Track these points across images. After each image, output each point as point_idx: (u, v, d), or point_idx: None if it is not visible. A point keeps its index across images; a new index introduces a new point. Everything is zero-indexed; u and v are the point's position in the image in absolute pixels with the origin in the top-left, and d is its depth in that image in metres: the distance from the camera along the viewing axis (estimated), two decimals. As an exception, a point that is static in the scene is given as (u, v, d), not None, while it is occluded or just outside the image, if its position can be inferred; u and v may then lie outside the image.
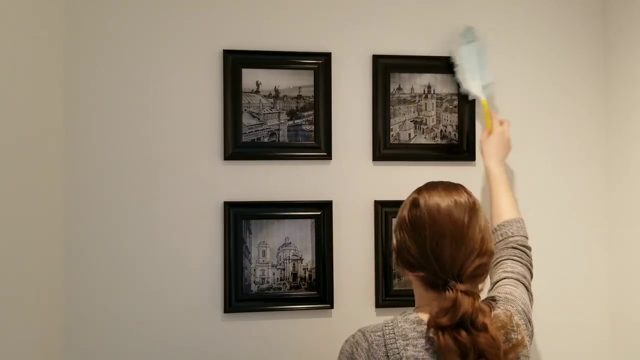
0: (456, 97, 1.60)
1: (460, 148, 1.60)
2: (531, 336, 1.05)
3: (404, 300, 1.56)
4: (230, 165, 1.52)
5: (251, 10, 1.54)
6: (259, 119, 1.53)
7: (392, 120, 1.57)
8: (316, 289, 1.54)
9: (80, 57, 1.47)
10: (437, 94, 1.60)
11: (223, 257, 1.50)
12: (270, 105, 1.54)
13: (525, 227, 1.32)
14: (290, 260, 1.53)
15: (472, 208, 0.98)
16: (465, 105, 1.60)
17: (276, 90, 1.54)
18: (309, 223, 1.54)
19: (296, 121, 1.54)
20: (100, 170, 1.47)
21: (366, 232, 1.57)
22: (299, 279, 1.54)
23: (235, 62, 1.52)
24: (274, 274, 1.53)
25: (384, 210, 1.56)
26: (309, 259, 1.54)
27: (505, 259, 1.22)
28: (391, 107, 1.57)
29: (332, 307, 1.54)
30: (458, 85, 1.58)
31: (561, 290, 1.64)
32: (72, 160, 1.47)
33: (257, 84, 1.53)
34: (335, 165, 1.56)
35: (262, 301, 1.52)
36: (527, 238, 1.30)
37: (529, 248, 1.27)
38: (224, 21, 1.53)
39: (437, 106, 1.60)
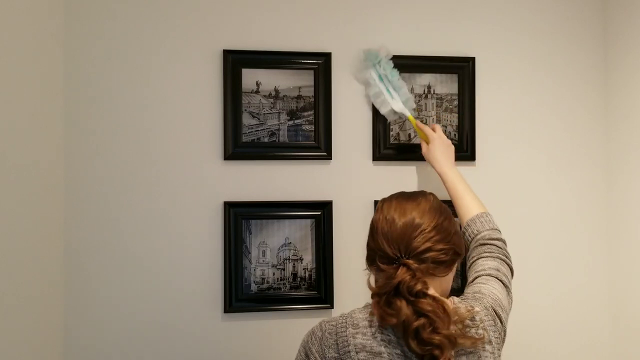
0: (456, 97, 1.60)
1: (460, 148, 1.60)
2: (501, 333, 1.01)
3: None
4: (230, 165, 1.52)
5: (251, 10, 1.54)
6: (259, 119, 1.53)
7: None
8: (316, 289, 1.54)
9: (80, 57, 1.47)
10: (437, 94, 1.60)
11: (223, 257, 1.50)
12: (270, 105, 1.54)
13: (491, 220, 1.28)
14: (290, 260, 1.53)
15: (426, 201, 1.04)
16: (465, 105, 1.60)
17: (276, 90, 1.54)
18: (309, 223, 1.54)
19: (296, 121, 1.54)
20: (100, 170, 1.47)
21: (366, 232, 1.56)
22: (299, 279, 1.54)
23: (235, 62, 1.52)
24: (274, 274, 1.53)
25: (384, 210, 1.56)
26: (309, 259, 1.54)
27: (475, 259, 1.19)
28: (391, 107, 1.57)
29: (332, 307, 1.54)
30: (378, 111, 1.54)
31: (561, 290, 1.64)
32: (72, 160, 1.47)
33: (257, 84, 1.53)
34: (335, 165, 1.56)
35: (262, 301, 1.52)
36: (497, 230, 1.26)
37: (499, 240, 1.22)
38: (224, 21, 1.53)
39: (437, 106, 1.60)
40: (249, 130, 1.52)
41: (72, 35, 1.47)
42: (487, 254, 1.17)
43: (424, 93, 1.59)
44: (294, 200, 1.53)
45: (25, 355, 1.26)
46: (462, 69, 1.60)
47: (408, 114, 1.51)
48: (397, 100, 1.50)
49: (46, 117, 1.38)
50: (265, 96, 1.53)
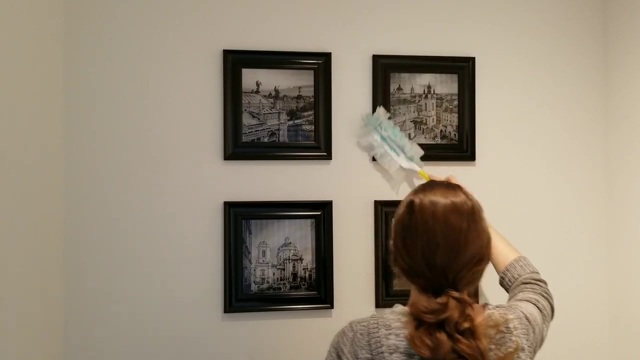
0: (456, 97, 1.60)
1: (460, 148, 1.60)
2: (533, 343, 0.99)
3: (404, 300, 1.56)
4: (230, 165, 1.52)
5: (251, 10, 1.54)
6: (259, 119, 1.53)
7: (392, 120, 1.57)
8: (316, 289, 1.54)
9: (80, 57, 1.47)
10: (437, 94, 1.60)
11: (223, 257, 1.50)
12: (270, 105, 1.54)
13: (530, 263, 1.25)
14: (290, 260, 1.53)
15: (471, 212, 0.94)
16: (465, 105, 1.60)
17: (276, 90, 1.54)
18: (309, 223, 1.54)
19: (296, 121, 1.54)
20: (100, 170, 1.47)
21: (366, 232, 1.57)
22: (299, 279, 1.54)
23: (235, 62, 1.52)
24: (274, 274, 1.53)
25: (384, 210, 1.56)
26: (309, 259, 1.54)
27: (516, 293, 1.15)
28: (391, 107, 1.57)
29: (332, 307, 1.54)
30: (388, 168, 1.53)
31: (561, 290, 1.63)
32: (72, 160, 1.47)
33: (257, 84, 1.53)
34: (335, 165, 1.56)
35: (262, 301, 1.52)
36: (537, 272, 1.23)
37: (540, 280, 1.19)
38: (224, 21, 1.53)
39: (437, 106, 1.60)
40: (249, 130, 1.52)
41: (72, 35, 1.47)
42: (529, 290, 1.14)
43: (424, 93, 1.59)
44: (294, 200, 1.53)
45: (25, 355, 1.26)
46: (462, 69, 1.60)
47: (418, 169, 1.51)
48: (402, 157, 1.51)
49: (46, 117, 1.38)
50: (265, 96, 1.53)
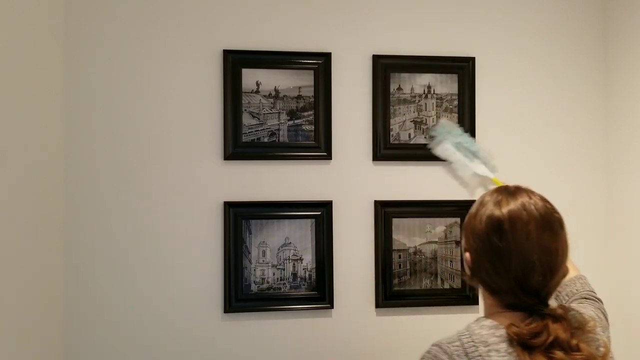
0: (456, 97, 1.60)
1: (460, 148, 1.60)
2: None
3: (404, 300, 1.57)
4: (230, 165, 1.52)
5: (251, 10, 1.54)
6: (259, 119, 1.53)
7: (392, 120, 1.57)
8: (316, 289, 1.54)
9: (80, 57, 1.47)
10: (437, 94, 1.60)
11: (223, 257, 1.50)
12: (270, 105, 1.54)
13: (589, 283, 1.23)
14: (290, 260, 1.53)
15: (561, 225, 0.91)
16: (465, 105, 1.60)
17: (276, 90, 1.54)
18: (309, 223, 1.54)
19: (296, 121, 1.54)
20: (100, 170, 1.47)
21: (366, 232, 1.57)
22: (299, 279, 1.54)
23: (235, 62, 1.52)
24: (274, 273, 1.53)
25: (384, 210, 1.56)
26: (309, 259, 1.54)
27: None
28: (391, 107, 1.57)
29: (332, 307, 1.54)
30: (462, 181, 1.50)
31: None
32: (72, 160, 1.47)
33: (257, 84, 1.53)
34: (335, 165, 1.56)
35: (262, 301, 1.52)
36: (595, 292, 1.21)
37: (599, 299, 1.17)
38: (224, 21, 1.53)
39: (437, 106, 1.60)
40: (249, 130, 1.52)
41: (72, 35, 1.47)
42: (589, 304, 1.12)
43: (424, 93, 1.59)
44: (294, 200, 1.53)
45: (25, 355, 1.26)
46: (462, 69, 1.60)
47: (492, 175, 1.50)
48: (477, 163, 1.50)
49: (46, 117, 1.38)
50: (265, 96, 1.53)
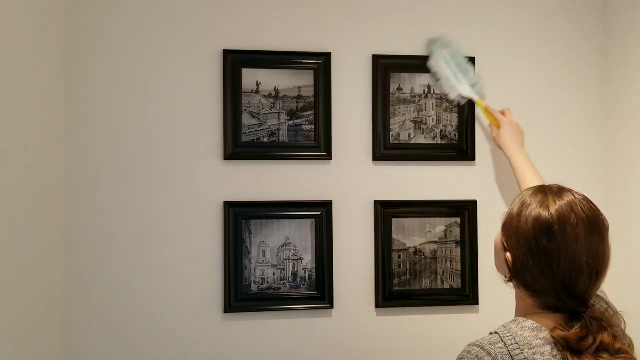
0: (456, 97, 1.60)
1: (460, 148, 1.60)
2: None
3: (404, 300, 1.57)
4: (230, 165, 1.52)
5: (251, 10, 1.54)
6: (259, 119, 1.53)
7: (392, 120, 1.57)
8: (316, 289, 1.54)
9: (80, 57, 1.47)
10: (437, 94, 1.60)
11: (223, 257, 1.50)
12: (270, 105, 1.54)
13: None
14: (290, 260, 1.53)
15: (607, 228, 0.91)
16: (465, 105, 1.60)
17: (276, 90, 1.54)
18: (309, 223, 1.54)
19: (296, 121, 1.54)
20: (100, 171, 1.47)
21: (366, 232, 1.57)
22: (299, 279, 1.54)
23: (235, 62, 1.52)
24: (273, 273, 1.53)
25: (384, 210, 1.56)
26: (309, 259, 1.54)
27: None
28: (391, 107, 1.57)
29: (332, 307, 1.54)
30: (447, 96, 1.57)
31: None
32: (72, 160, 1.47)
33: (257, 84, 1.53)
34: (335, 165, 1.56)
35: (262, 301, 1.51)
36: None
37: None
38: (224, 21, 1.53)
39: (437, 106, 1.60)
40: (249, 130, 1.52)
41: (72, 36, 1.47)
42: None
43: (424, 93, 1.59)
44: (294, 200, 1.53)
45: (25, 355, 1.26)
46: (462, 69, 1.60)
47: (476, 98, 1.54)
48: (464, 84, 1.53)
49: (46, 117, 1.38)
50: (265, 96, 1.53)
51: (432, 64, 1.55)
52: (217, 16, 1.52)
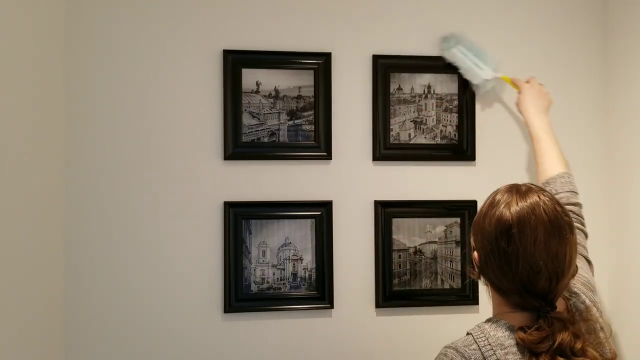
0: (456, 97, 1.60)
1: (460, 148, 1.60)
2: (595, 303, 1.02)
3: (404, 300, 1.57)
4: (230, 165, 1.52)
5: (251, 10, 1.54)
6: (259, 119, 1.53)
7: (392, 120, 1.58)
8: (316, 289, 1.54)
9: (80, 57, 1.47)
10: (437, 94, 1.60)
11: (223, 257, 1.50)
12: (270, 105, 1.54)
13: (571, 182, 1.25)
14: (290, 260, 1.53)
15: (570, 229, 0.91)
16: (465, 105, 1.60)
17: (276, 90, 1.54)
18: (309, 223, 1.54)
19: (296, 121, 1.54)
20: (100, 170, 1.47)
21: (366, 232, 1.57)
22: (299, 279, 1.54)
23: (235, 62, 1.52)
24: (273, 274, 1.53)
25: (384, 210, 1.56)
26: (309, 259, 1.54)
27: None
28: (391, 107, 1.57)
29: (332, 307, 1.54)
30: (465, 86, 1.58)
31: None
32: (72, 160, 1.47)
33: (257, 84, 1.53)
34: (335, 165, 1.56)
35: (262, 301, 1.52)
36: (575, 192, 1.23)
37: (575, 205, 1.19)
38: (224, 21, 1.53)
39: (437, 106, 1.60)
40: (249, 130, 1.53)
41: (72, 36, 1.47)
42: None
43: (424, 93, 1.59)
44: (294, 200, 1.53)
45: (25, 355, 1.26)
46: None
47: (500, 75, 1.56)
48: (485, 68, 1.55)
49: (46, 117, 1.38)
50: (265, 96, 1.53)
51: (449, 58, 1.57)
52: (217, 16, 1.53)
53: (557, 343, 0.85)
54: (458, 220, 1.59)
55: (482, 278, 0.98)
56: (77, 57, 1.47)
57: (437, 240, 1.59)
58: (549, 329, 0.87)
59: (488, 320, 0.95)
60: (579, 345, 0.86)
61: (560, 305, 0.94)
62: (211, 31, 1.52)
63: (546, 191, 0.96)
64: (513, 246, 0.89)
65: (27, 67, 1.28)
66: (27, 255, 1.27)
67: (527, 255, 0.88)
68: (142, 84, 1.49)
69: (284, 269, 1.53)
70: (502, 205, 0.93)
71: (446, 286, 1.59)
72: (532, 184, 1.00)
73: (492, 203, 0.96)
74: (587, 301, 1.00)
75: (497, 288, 0.95)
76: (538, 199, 0.92)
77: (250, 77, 1.52)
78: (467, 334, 0.94)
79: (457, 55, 1.56)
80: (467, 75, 1.57)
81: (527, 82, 1.52)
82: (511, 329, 0.90)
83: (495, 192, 0.99)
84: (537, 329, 0.87)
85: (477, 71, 1.55)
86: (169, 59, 1.50)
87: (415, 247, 1.58)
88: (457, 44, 1.57)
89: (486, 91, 1.59)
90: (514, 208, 0.91)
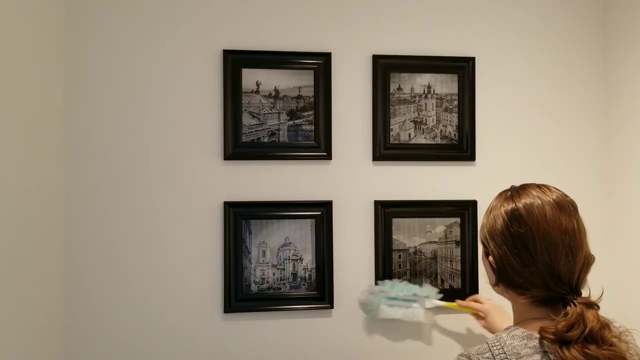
0: (456, 97, 1.60)
1: (460, 148, 1.60)
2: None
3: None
4: (230, 165, 1.52)
5: (251, 10, 1.54)
6: (259, 119, 1.53)
7: (392, 120, 1.58)
8: (316, 289, 1.54)
9: (80, 57, 1.47)
10: (437, 94, 1.60)
11: (223, 257, 1.50)
12: (270, 105, 1.54)
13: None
14: (290, 260, 1.53)
15: (574, 207, 0.92)
16: (465, 105, 1.60)
17: (276, 90, 1.54)
18: (309, 223, 1.54)
19: (296, 121, 1.54)
20: (100, 171, 1.47)
21: (366, 232, 1.57)
22: (299, 279, 1.54)
23: (235, 62, 1.52)
24: (273, 273, 1.53)
25: (384, 210, 1.56)
26: (309, 259, 1.54)
27: None
28: (391, 107, 1.57)
29: (332, 307, 1.54)
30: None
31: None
32: (72, 161, 1.47)
33: (257, 84, 1.53)
34: (335, 165, 1.56)
35: (262, 301, 1.52)
36: None
37: None
38: (224, 21, 1.53)
39: (437, 106, 1.60)
40: (249, 130, 1.52)
41: (72, 36, 1.47)
42: None
43: (424, 93, 1.59)
44: (294, 200, 1.53)
45: (25, 355, 1.26)
46: (462, 69, 1.60)
47: (443, 303, 1.49)
48: (421, 301, 1.49)
49: (46, 117, 1.38)
50: (265, 96, 1.53)
51: (382, 315, 1.49)
52: (217, 16, 1.53)
53: (588, 329, 0.83)
54: (458, 220, 1.59)
55: (499, 285, 0.95)
56: (77, 57, 1.47)
57: (437, 240, 1.59)
58: (577, 314, 0.84)
59: (506, 329, 0.93)
60: (607, 334, 0.84)
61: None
62: (211, 31, 1.52)
63: (541, 183, 0.97)
64: (525, 227, 0.89)
65: (27, 67, 1.28)
66: (28, 255, 1.27)
67: (541, 232, 0.88)
68: (142, 84, 1.49)
69: (284, 269, 1.53)
70: (504, 202, 0.94)
71: (446, 286, 1.59)
72: (525, 183, 1.00)
73: (491, 209, 0.97)
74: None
75: (519, 287, 0.92)
76: (537, 187, 0.95)
77: (250, 77, 1.52)
78: (485, 342, 0.91)
79: (386, 311, 1.49)
80: (410, 319, 1.49)
81: (475, 300, 1.46)
82: (529, 337, 0.88)
83: (491, 202, 1.00)
84: (564, 316, 0.85)
85: (414, 309, 1.49)
86: (169, 59, 1.50)
87: (415, 247, 1.58)
88: (378, 297, 1.50)
89: (431, 319, 1.54)
90: (516, 198, 0.93)
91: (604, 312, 1.63)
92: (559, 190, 0.94)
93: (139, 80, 1.49)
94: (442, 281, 1.59)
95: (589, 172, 1.66)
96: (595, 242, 1.71)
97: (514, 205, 0.92)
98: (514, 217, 0.91)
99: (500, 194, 0.98)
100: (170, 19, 1.51)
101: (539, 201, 0.91)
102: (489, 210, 0.98)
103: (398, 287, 1.51)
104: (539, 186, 0.95)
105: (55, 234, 1.42)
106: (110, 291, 1.47)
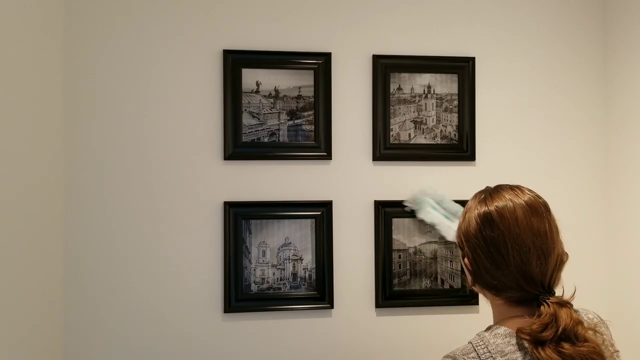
0: (456, 97, 1.60)
1: (460, 148, 1.60)
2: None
3: (404, 300, 1.57)
4: (230, 165, 1.52)
5: (251, 10, 1.54)
6: (259, 119, 1.53)
7: (392, 120, 1.58)
8: (316, 289, 1.54)
9: (80, 57, 1.47)
10: (437, 94, 1.60)
11: (223, 257, 1.50)
12: (270, 105, 1.54)
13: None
14: (290, 260, 1.53)
15: (546, 209, 0.93)
16: (465, 105, 1.60)
17: (276, 90, 1.54)
18: (309, 223, 1.54)
19: (296, 121, 1.54)
20: (100, 170, 1.47)
21: (366, 232, 1.57)
22: (299, 278, 1.54)
23: (235, 62, 1.52)
24: (274, 273, 1.53)
25: (384, 210, 1.56)
26: (309, 259, 1.54)
27: None
28: (391, 107, 1.57)
29: (332, 307, 1.54)
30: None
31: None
32: (72, 161, 1.47)
33: (257, 84, 1.53)
34: (335, 165, 1.56)
35: (262, 301, 1.52)
36: None
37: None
38: (224, 21, 1.53)
39: (437, 106, 1.60)
40: (249, 130, 1.53)
41: (72, 36, 1.47)
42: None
43: (424, 93, 1.59)
44: (294, 200, 1.53)
45: (25, 355, 1.26)
46: (462, 69, 1.60)
47: None
48: (456, 221, 1.51)
49: (46, 117, 1.38)
50: (265, 96, 1.53)
51: (421, 215, 1.53)
52: (217, 16, 1.53)
53: (561, 328, 0.85)
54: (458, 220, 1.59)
55: (476, 285, 0.97)
56: (77, 57, 1.47)
57: (437, 240, 1.59)
58: (551, 315, 0.86)
59: (488, 328, 0.95)
60: (581, 330, 0.86)
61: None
62: (211, 31, 1.52)
63: (514, 185, 0.99)
64: (497, 231, 0.91)
65: (27, 67, 1.28)
66: (28, 255, 1.27)
67: (512, 236, 0.90)
68: (142, 83, 1.49)
69: (284, 269, 1.53)
70: (478, 204, 0.97)
71: (446, 286, 1.59)
72: (500, 184, 1.02)
73: (467, 210, 0.99)
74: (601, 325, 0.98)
75: (494, 288, 0.94)
76: (510, 189, 0.96)
77: (250, 77, 1.52)
78: (468, 342, 0.93)
79: (428, 212, 1.52)
80: (441, 230, 1.53)
81: None
82: (511, 335, 0.90)
83: (467, 203, 1.02)
84: (538, 317, 0.87)
85: (450, 225, 1.51)
86: (169, 59, 1.50)
87: (415, 247, 1.58)
88: (425, 201, 1.53)
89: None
90: (489, 201, 0.95)
91: (604, 311, 1.62)
92: (532, 192, 0.96)
93: (139, 80, 1.49)
94: (442, 281, 1.59)
95: (588, 172, 1.66)
96: (594, 242, 1.72)
97: (486, 208, 0.94)
98: (486, 220, 0.93)
99: (476, 196, 1.00)
100: (170, 19, 1.51)
101: (511, 204, 0.92)
102: (465, 212, 0.99)
103: (447, 201, 1.54)
104: (512, 188, 0.97)
105: (55, 233, 1.42)
106: (110, 291, 1.47)
